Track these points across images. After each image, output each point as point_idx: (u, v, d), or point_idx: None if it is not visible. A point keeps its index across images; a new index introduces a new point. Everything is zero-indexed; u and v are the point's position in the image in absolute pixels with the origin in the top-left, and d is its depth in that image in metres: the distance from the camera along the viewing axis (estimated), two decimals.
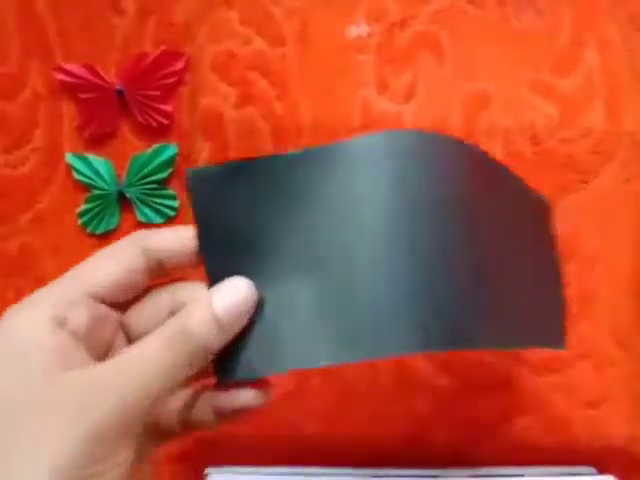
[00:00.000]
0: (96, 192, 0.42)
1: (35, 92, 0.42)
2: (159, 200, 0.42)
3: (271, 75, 0.41)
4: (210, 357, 0.26)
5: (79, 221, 0.42)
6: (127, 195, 0.42)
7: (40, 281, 0.43)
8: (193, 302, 0.26)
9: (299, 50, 0.41)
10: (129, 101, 0.41)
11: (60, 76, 0.41)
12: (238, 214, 0.27)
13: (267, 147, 0.41)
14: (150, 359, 0.25)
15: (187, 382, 0.28)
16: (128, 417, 0.24)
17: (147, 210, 0.42)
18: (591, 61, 0.40)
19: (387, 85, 0.41)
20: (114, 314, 0.28)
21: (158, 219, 0.42)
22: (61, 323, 0.25)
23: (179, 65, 0.41)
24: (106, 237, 0.42)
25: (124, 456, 0.24)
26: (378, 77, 0.41)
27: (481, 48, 0.40)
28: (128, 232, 0.43)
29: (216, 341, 0.26)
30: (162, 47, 0.41)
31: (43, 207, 0.43)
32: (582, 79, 0.40)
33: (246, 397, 0.27)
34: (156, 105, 0.41)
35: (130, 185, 0.42)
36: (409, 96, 0.40)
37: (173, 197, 0.42)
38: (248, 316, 0.26)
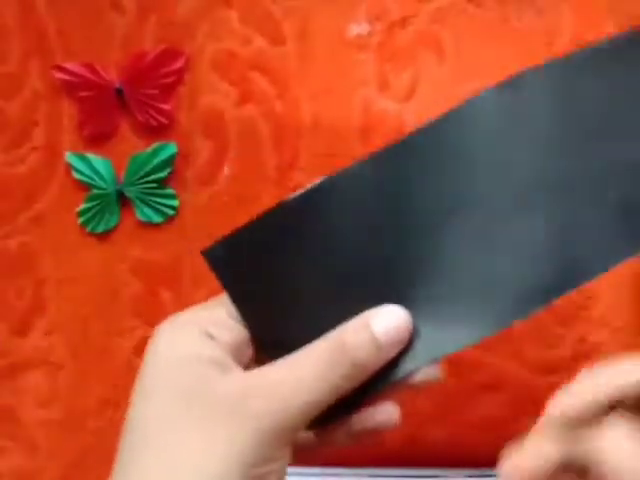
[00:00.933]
0: (96, 191, 0.42)
1: (35, 91, 0.42)
2: (159, 199, 0.42)
3: (271, 74, 0.41)
4: (364, 378, 0.26)
5: (79, 220, 0.42)
6: (127, 194, 0.42)
7: (40, 281, 0.43)
8: (350, 322, 0.26)
9: (299, 49, 0.41)
10: (129, 100, 0.41)
11: (60, 75, 0.41)
12: (264, 273, 0.27)
13: (267, 147, 0.41)
14: (308, 371, 0.25)
15: None
16: (288, 424, 0.24)
17: (147, 209, 0.42)
18: None
19: (387, 84, 0.40)
20: None
21: (158, 218, 0.42)
22: (211, 337, 0.26)
23: (179, 64, 0.41)
24: (106, 236, 0.42)
25: (281, 463, 0.25)
26: (378, 76, 0.41)
27: (481, 47, 0.40)
28: (128, 231, 0.43)
29: (374, 363, 0.25)
30: (162, 46, 0.41)
31: (43, 206, 0.43)
32: None
33: (382, 415, 0.27)
34: (156, 104, 0.41)
35: (130, 184, 0.42)
36: (409, 95, 0.40)
37: (173, 196, 0.42)
38: (404, 344, 0.26)
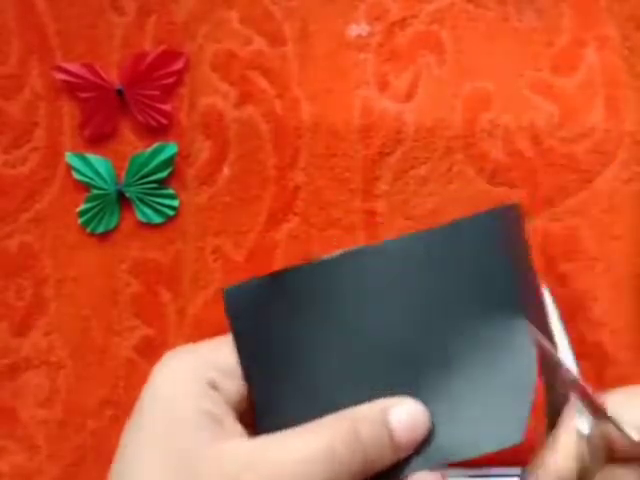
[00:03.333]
0: (96, 192, 0.42)
1: (35, 92, 0.42)
2: (159, 199, 0.42)
3: (271, 74, 0.41)
4: (371, 474, 0.24)
5: (79, 220, 0.42)
6: (127, 194, 0.42)
7: (40, 281, 0.43)
8: (365, 409, 0.24)
9: (299, 49, 0.41)
10: (129, 101, 0.41)
11: (60, 76, 0.41)
12: (275, 328, 0.26)
13: (267, 147, 0.41)
14: (314, 456, 0.22)
15: None
16: None
17: (147, 209, 0.42)
18: (591, 60, 0.39)
19: (387, 84, 0.41)
20: None
21: (158, 218, 0.42)
22: (214, 388, 0.24)
23: (179, 65, 0.41)
24: (106, 236, 0.42)
25: None
26: (378, 76, 0.41)
27: (481, 47, 0.40)
28: (128, 232, 0.43)
29: (385, 462, 0.24)
30: (162, 46, 0.41)
31: (43, 207, 0.43)
32: (582, 78, 0.40)
33: None
34: (156, 105, 0.41)
35: (129, 184, 0.42)
36: (409, 95, 0.40)
37: (173, 196, 0.42)
38: (419, 444, 0.24)
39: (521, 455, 0.42)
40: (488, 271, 0.26)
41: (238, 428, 0.24)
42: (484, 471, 0.39)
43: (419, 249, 0.25)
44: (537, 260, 0.40)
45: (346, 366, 0.25)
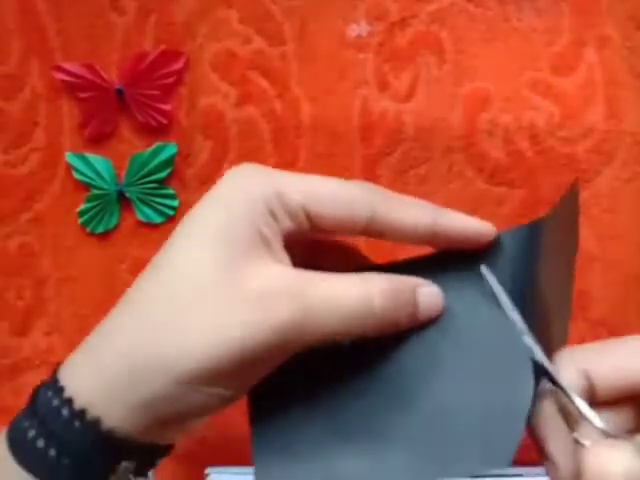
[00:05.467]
0: (96, 192, 0.42)
1: (35, 92, 0.42)
2: (159, 199, 0.42)
3: (271, 74, 0.41)
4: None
5: (79, 220, 0.42)
6: (127, 194, 0.42)
7: (40, 281, 0.43)
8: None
9: (299, 49, 0.41)
10: (129, 100, 0.41)
11: (60, 75, 0.41)
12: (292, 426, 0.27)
13: (267, 147, 0.41)
14: (348, 299, 0.24)
15: None
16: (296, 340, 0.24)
17: (147, 209, 0.42)
18: (591, 60, 0.39)
19: (387, 84, 0.40)
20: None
21: (158, 218, 0.42)
22: (273, 215, 0.25)
23: (178, 65, 0.41)
24: (106, 236, 0.42)
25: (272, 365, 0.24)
26: (378, 76, 0.41)
27: (481, 47, 0.40)
28: (128, 232, 0.43)
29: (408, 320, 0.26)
30: (162, 46, 0.41)
31: (43, 207, 0.43)
32: (582, 78, 0.40)
33: None
34: (156, 104, 0.41)
35: (130, 184, 0.42)
36: (409, 95, 0.40)
37: (173, 196, 0.42)
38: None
39: (522, 455, 0.42)
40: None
41: (285, 256, 0.26)
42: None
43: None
44: None
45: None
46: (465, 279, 0.27)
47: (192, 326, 0.24)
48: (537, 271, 0.26)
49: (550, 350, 0.25)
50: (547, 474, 0.25)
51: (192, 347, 0.23)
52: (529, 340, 0.25)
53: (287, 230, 0.26)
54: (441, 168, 0.40)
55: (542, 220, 0.27)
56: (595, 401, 0.25)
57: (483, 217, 0.41)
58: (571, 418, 0.25)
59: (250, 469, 0.41)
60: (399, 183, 0.40)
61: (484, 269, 0.26)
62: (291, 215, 0.26)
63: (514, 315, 0.25)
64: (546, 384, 0.25)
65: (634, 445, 0.22)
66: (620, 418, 0.25)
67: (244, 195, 0.25)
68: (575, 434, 0.25)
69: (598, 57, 0.39)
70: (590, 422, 0.24)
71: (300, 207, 0.26)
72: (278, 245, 0.25)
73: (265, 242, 0.25)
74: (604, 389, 0.25)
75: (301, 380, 0.27)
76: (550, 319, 0.27)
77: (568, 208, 0.29)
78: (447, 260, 0.27)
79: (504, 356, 0.25)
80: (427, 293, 0.26)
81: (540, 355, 0.25)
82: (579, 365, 0.25)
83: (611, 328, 0.40)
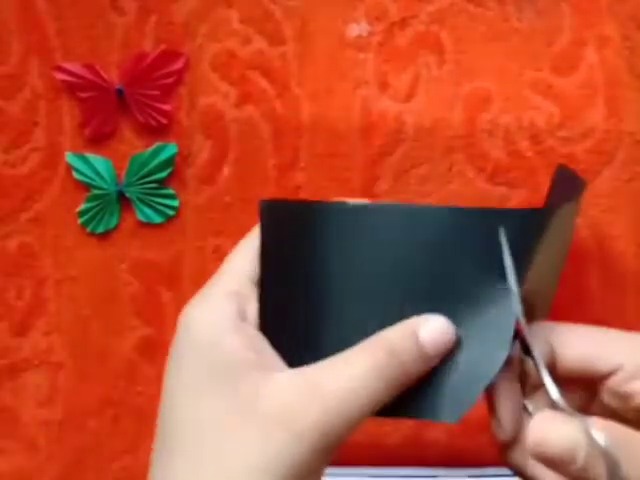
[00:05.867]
0: (96, 192, 0.42)
1: (35, 92, 0.42)
2: (159, 199, 0.42)
3: (271, 74, 0.41)
4: (408, 384, 0.26)
5: (79, 220, 0.42)
6: (127, 194, 0.42)
7: (40, 281, 0.43)
8: (394, 328, 0.26)
9: (299, 49, 0.41)
10: (129, 100, 0.41)
11: (60, 75, 0.41)
12: (300, 248, 0.27)
13: (267, 147, 0.41)
14: (358, 377, 0.24)
15: None
16: (339, 434, 0.24)
17: (147, 210, 0.42)
18: (592, 60, 0.39)
19: (387, 84, 0.40)
20: None
21: (158, 219, 0.42)
22: (243, 318, 0.26)
23: (179, 65, 0.41)
24: (106, 236, 0.42)
25: (323, 471, 0.24)
26: (378, 76, 0.41)
27: (481, 47, 0.40)
28: (128, 232, 0.43)
29: (419, 369, 0.25)
30: (162, 46, 0.41)
31: (43, 207, 0.43)
32: (583, 78, 0.40)
33: None
34: (156, 104, 0.41)
35: (130, 184, 0.42)
36: (409, 95, 0.40)
37: (173, 196, 0.42)
38: (445, 353, 0.26)
39: None
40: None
41: (276, 356, 0.26)
42: (484, 471, 0.39)
43: (443, 220, 0.27)
44: None
45: (364, 290, 0.27)
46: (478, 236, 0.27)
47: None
48: (535, 253, 0.27)
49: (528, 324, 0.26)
50: (492, 431, 0.26)
51: None
52: (517, 305, 0.25)
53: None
54: (441, 168, 0.40)
55: (556, 208, 0.28)
56: (552, 376, 0.25)
57: None
58: (527, 385, 0.27)
59: None
60: (399, 183, 0.41)
61: (501, 232, 0.26)
62: (251, 298, 0.27)
63: (511, 279, 0.26)
64: (515, 349, 0.26)
65: (580, 421, 0.23)
66: (572, 399, 0.26)
67: (214, 324, 0.26)
68: (526, 401, 0.26)
69: (598, 57, 0.39)
70: (548, 391, 0.24)
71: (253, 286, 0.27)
72: (267, 346, 0.26)
73: (256, 351, 0.25)
74: (563, 367, 0.26)
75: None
76: (535, 301, 0.28)
77: (575, 201, 0.30)
78: (463, 216, 0.27)
79: (492, 315, 0.26)
80: (431, 330, 0.26)
81: (522, 320, 0.25)
82: (547, 339, 0.26)
83: (611, 328, 0.40)
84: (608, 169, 0.40)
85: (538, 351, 0.25)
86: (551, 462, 0.23)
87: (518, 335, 0.26)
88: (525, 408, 0.27)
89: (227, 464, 0.23)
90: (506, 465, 0.27)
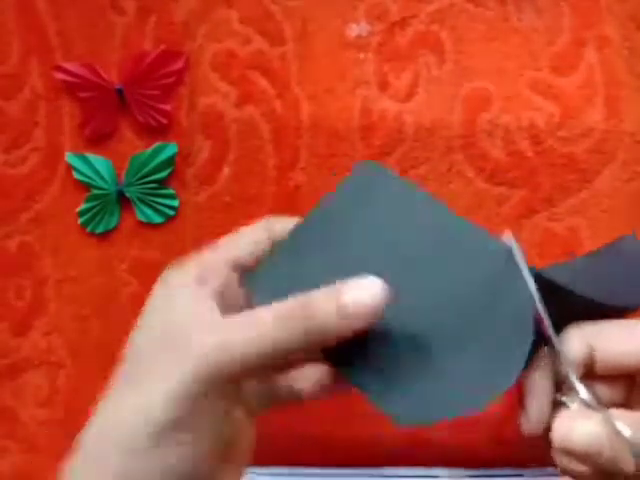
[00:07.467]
0: (96, 191, 0.42)
1: (35, 92, 0.42)
2: (159, 199, 0.42)
3: (271, 74, 0.41)
4: (325, 343, 0.26)
5: (79, 220, 0.42)
6: (127, 194, 0.42)
7: (40, 281, 0.43)
8: (323, 289, 0.26)
9: (299, 49, 0.41)
10: (129, 100, 0.41)
11: (60, 75, 0.41)
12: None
13: (267, 147, 0.41)
14: (261, 325, 0.25)
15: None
16: (227, 369, 0.25)
17: (147, 209, 0.42)
18: (591, 60, 0.39)
19: (387, 84, 0.40)
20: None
21: (158, 218, 0.42)
22: (202, 282, 0.28)
23: (178, 65, 0.41)
24: (106, 236, 0.42)
25: (211, 418, 0.25)
26: (378, 76, 0.41)
27: (481, 47, 0.40)
28: (128, 232, 0.43)
29: (335, 328, 0.25)
30: (162, 46, 0.41)
31: (43, 206, 0.43)
32: (582, 78, 0.40)
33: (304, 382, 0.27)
34: (156, 104, 0.41)
35: (130, 184, 0.42)
36: (409, 95, 0.40)
37: (173, 196, 0.42)
38: (374, 318, 0.25)
39: (522, 454, 0.42)
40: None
41: (215, 310, 0.27)
42: (484, 471, 0.39)
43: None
44: (537, 260, 0.40)
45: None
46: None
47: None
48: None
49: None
50: (519, 423, 0.27)
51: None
52: (541, 309, 0.26)
53: (217, 283, 0.28)
54: (441, 168, 0.40)
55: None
56: (592, 373, 0.26)
57: (483, 217, 0.41)
58: (564, 384, 0.27)
59: (250, 469, 0.41)
60: None
61: (512, 241, 0.27)
62: (216, 271, 0.29)
63: (531, 284, 0.26)
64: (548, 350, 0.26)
65: (604, 415, 0.24)
66: (612, 392, 0.27)
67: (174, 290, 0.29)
68: (564, 398, 0.26)
69: (598, 57, 0.39)
70: (576, 392, 0.25)
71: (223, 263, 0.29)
72: (215, 306, 0.27)
73: (196, 301, 0.28)
74: (603, 364, 0.26)
75: None
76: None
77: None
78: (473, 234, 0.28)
79: (511, 319, 0.26)
80: (355, 288, 0.26)
81: (549, 325, 0.25)
82: (585, 338, 0.26)
83: None
84: (608, 169, 0.40)
85: (567, 353, 0.26)
86: (579, 457, 0.24)
87: (544, 334, 0.26)
88: (563, 404, 0.27)
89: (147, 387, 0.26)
90: (553, 466, 0.27)
